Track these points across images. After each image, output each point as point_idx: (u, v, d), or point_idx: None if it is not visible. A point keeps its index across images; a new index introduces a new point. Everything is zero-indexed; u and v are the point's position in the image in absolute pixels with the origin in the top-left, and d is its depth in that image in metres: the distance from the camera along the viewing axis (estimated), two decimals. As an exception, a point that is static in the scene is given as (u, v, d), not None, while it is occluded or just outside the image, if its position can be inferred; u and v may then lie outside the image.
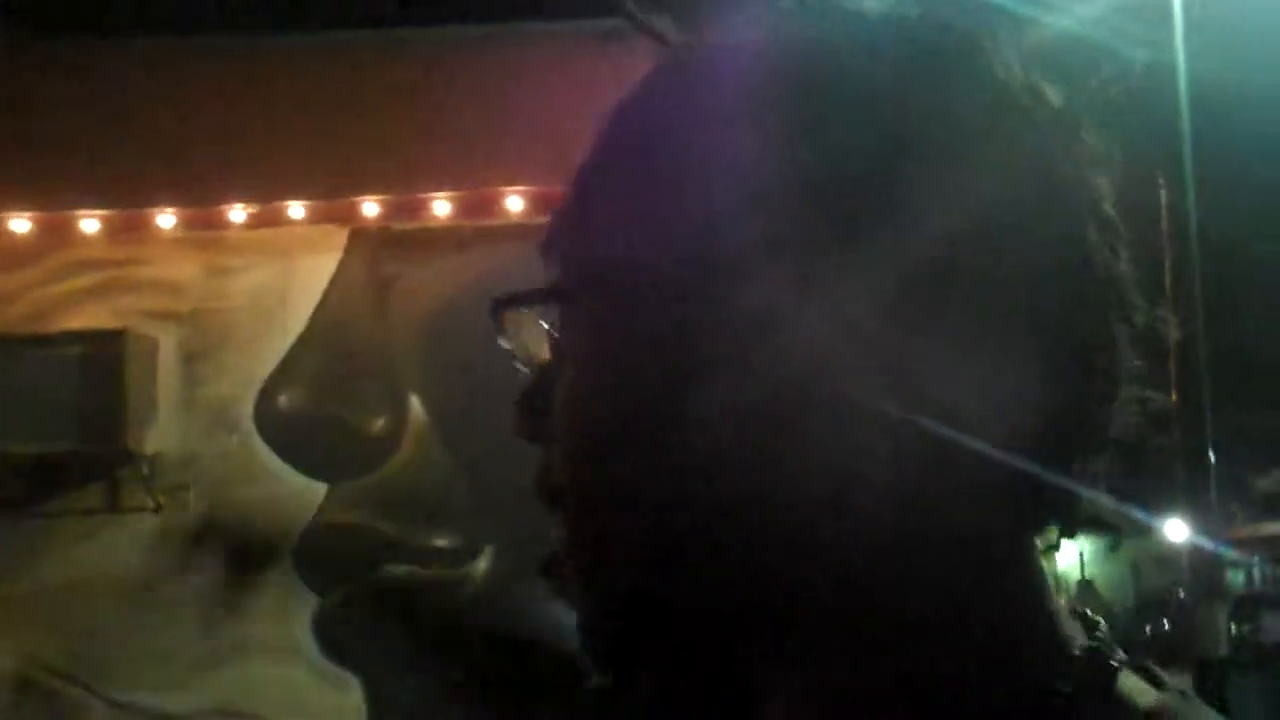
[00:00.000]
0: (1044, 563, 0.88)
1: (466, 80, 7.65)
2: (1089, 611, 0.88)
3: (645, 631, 0.90)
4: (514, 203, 7.53)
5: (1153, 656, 0.89)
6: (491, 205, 7.57)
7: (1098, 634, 0.87)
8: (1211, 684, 8.14)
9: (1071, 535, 0.86)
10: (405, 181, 7.50)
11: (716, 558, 0.85)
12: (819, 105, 0.84)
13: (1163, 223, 8.62)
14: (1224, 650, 8.71)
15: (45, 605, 7.30)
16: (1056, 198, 0.83)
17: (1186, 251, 8.79)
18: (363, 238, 7.67)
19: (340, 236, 7.68)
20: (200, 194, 7.47)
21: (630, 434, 0.88)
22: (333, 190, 7.47)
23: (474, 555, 7.35)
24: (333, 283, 7.63)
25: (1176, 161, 8.71)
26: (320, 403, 7.50)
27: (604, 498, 0.89)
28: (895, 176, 0.81)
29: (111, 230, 7.60)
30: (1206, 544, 8.59)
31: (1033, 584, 0.87)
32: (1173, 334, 0.89)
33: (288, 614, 7.24)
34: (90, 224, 7.57)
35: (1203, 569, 8.81)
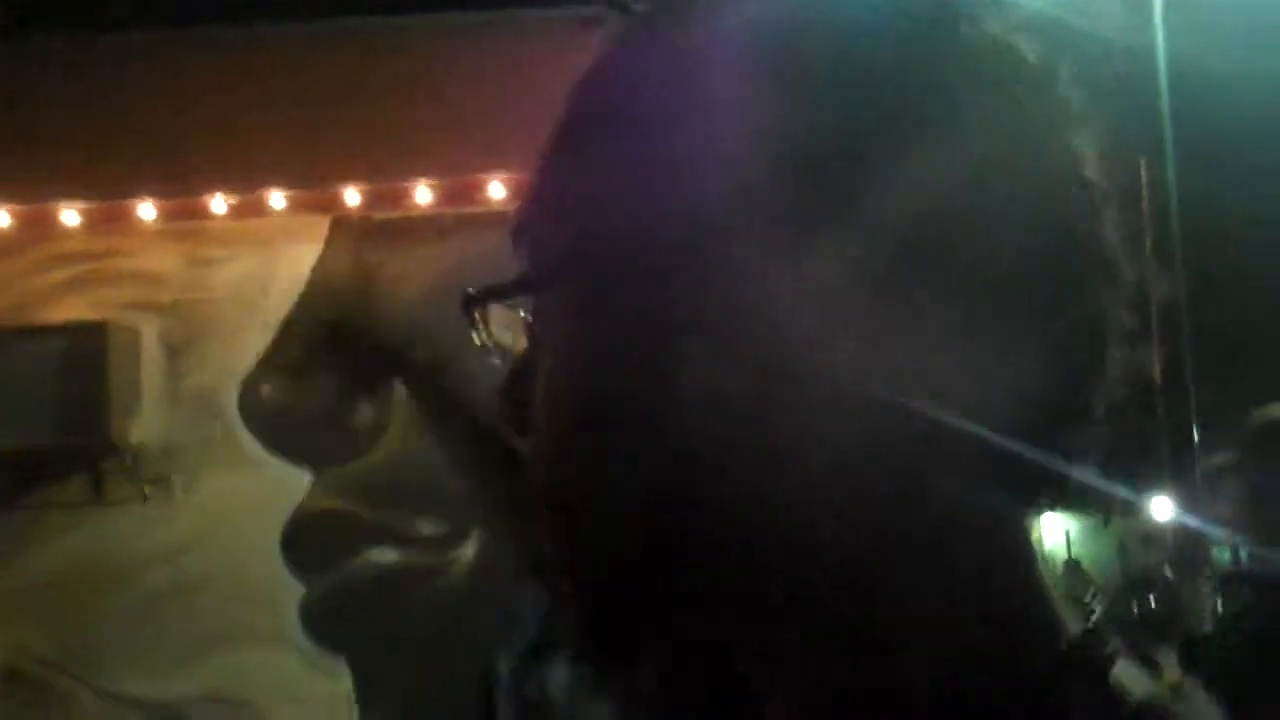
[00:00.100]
0: (1035, 545, 0.87)
1: (448, 67, 7.65)
2: (1083, 596, 0.87)
3: (634, 626, 0.88)
4: (496, 189, 7.53)
5: (1140, 635, 0.89)
6: (474, 192, 7.56)
7: (1092, 620, 0.86)
8: (1199, 661, 8.17)
9: (1060, 510, 0.85)
10: (386, 169, 7.48)
11: (703, 544, 0.83)
12: (798, 74, 0.82)
13: (1143, 203, 8.64)
14: (1209, 627, 8.75)
15: (32, 597, 7.30)
16: (1042, 170, 0.81)
17: (1168, 231, 8.81)
18: (344, 227, 7.66)
19: (322, 226, 7.67)
20: (181, 184, 7.44)
21: (611, 421, 0.86)
22: (314, 179, 7.46)
23: (461, 540, 7.36)
24: (315, 272, 7.63)
25: (1158, 143, 8.73)
26: (304, 391, 7.50)
27: (586, 487, 0.87)
28: (876, 148, 0.79)
29: (92, 222, 7.58)
30: (1192, 522, 8.62)
31: (1028, 570, 0.86)
32: (1161, 289, 0.88)
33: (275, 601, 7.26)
34: (71, 216, 7.55)
35: (1188, 547, 8.84)
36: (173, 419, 7.55)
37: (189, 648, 7.22)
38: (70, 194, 7.49)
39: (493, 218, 7.58)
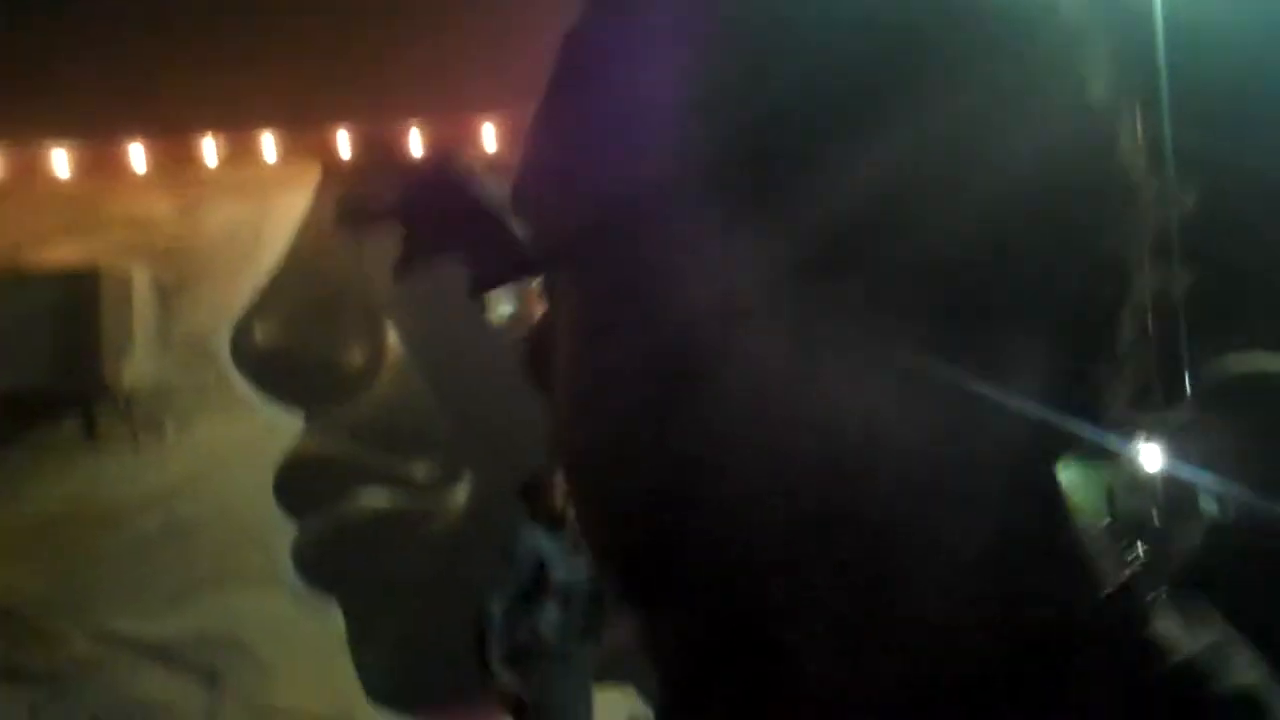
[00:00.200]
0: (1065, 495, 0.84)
1: (439, 9, 7.61)
2: (1120, 545, 0.84)
3: (653, 584, 0.85)
4: (488, 135, 7.51)
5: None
6: (464, 137, 7.54)
7: (1130, 571, 0.82)
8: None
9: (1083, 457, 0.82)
10: (378, 115, 7.46)
11: (682, 515, 0.79)
12: (759, 38, 0.78)
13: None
14: (1198, 575, 8.78)
15: (24, 537, 7.30)
16: (1048, 109, 0.79)
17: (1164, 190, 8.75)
18: (335, 173, 7.64)
19: (313, 172, 7.65)
20: (172, 125, 7.41)
21: (577, 390, 0.85)
22: (305, 121, 7.43)
23: (454, 483, 7.38)
24: (307, 216, 7.62)
25: (1155, 99, 8.68)
26: (297, 334, 7.50)
27: (589, 460, 0.85)
28: (838, 119, 0.76)
29: (83, 166, 7.56)
30: (1180, 469, 8.62)
31: (1061, 521, 0.83)
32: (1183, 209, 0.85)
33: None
34: (61, 159, 7.53)
35: (1176, 494, 8.85)
36: (165, 363, 7.55)
37: (180, 588, 7.24)
38: (61, 137, 7.47)
39: (485, 161, 7.57)
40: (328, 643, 7.20)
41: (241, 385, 7.47)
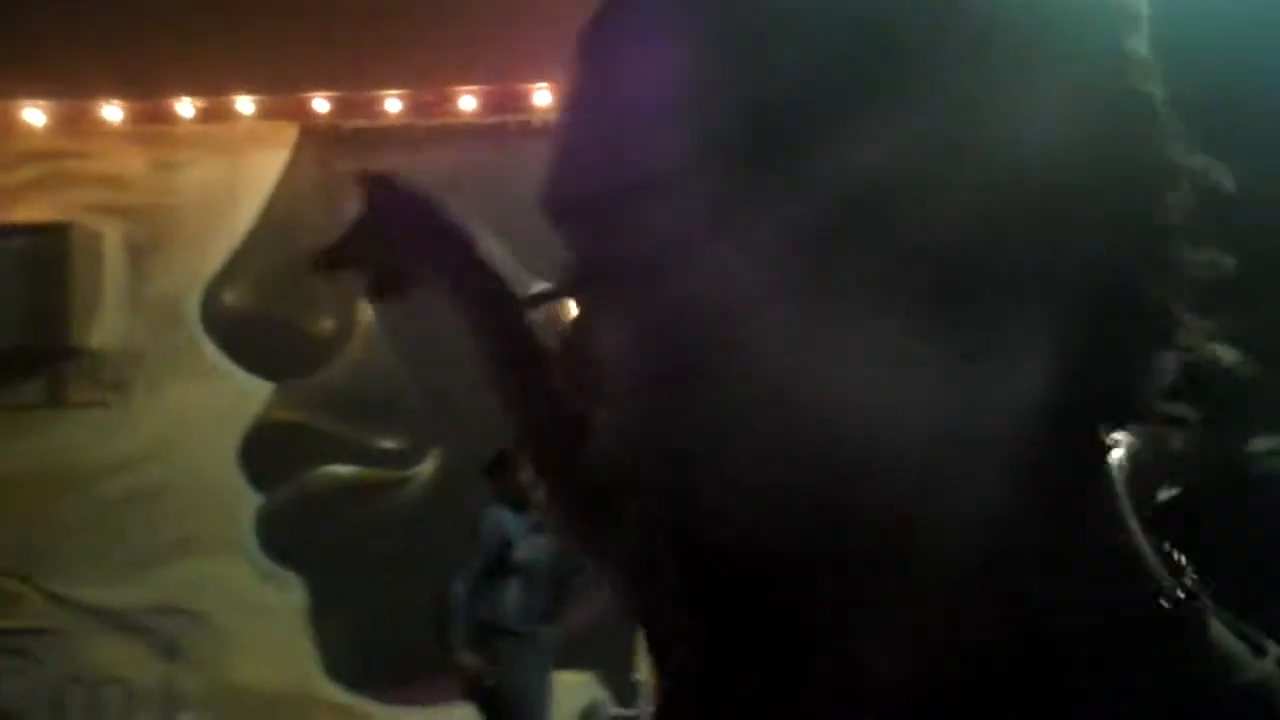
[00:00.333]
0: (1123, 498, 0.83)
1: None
2: (1176, 555, 0.82)
3: (694, 574, 0.85)
4: (467, 102, 7.46)
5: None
6: (444, 105, 7.49)
7: (1187, 579, 0.82)
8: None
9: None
10: (357, 78, 7.39)
11: (710, 500, 0.80)
12: (765, 20, 0.79)
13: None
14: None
15: (-13, 497, 7.29)
16: (1083, 88, 0.78)
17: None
18: (313, 135, 7.58)
19: (290, 133, 7.59)
20: (148, 86, 7.34)
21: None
22: (283, 85, 7.36)
23: (421, 456, 7.34)
24: (282, 180, 7.56)
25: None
26: (267, 301, 7.45)
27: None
28: (836, 102, 0.77)
29: (57, 122, 7.50)
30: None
31: (1121, 525, 0.83)
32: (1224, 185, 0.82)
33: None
34: (35, 116, 7.47)
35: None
36: (134, 324, 7.50)
37: (143, 556, 7.21)
38: (35, 94, 7.40)
39: (464, 129, 7.53)
40: (288, 617, 7.18)
41: (211, 350, 7.42)
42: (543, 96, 7.37)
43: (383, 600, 6.96)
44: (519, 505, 6.08)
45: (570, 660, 6.56)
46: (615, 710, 6.95)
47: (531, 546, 6.04)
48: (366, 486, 7.31)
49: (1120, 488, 0.83)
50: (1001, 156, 0.76)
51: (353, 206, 1.34)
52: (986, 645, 0.77)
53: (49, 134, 7.54)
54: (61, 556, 7.24)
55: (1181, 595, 0.80)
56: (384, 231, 1.40)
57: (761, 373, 0.76)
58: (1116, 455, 0.82)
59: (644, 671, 6.19)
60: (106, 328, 7.46)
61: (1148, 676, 0.77)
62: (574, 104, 0.88)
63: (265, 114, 7.47)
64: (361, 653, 7.12)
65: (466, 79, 7.42)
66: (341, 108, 7.48)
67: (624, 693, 6.86)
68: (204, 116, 7.46)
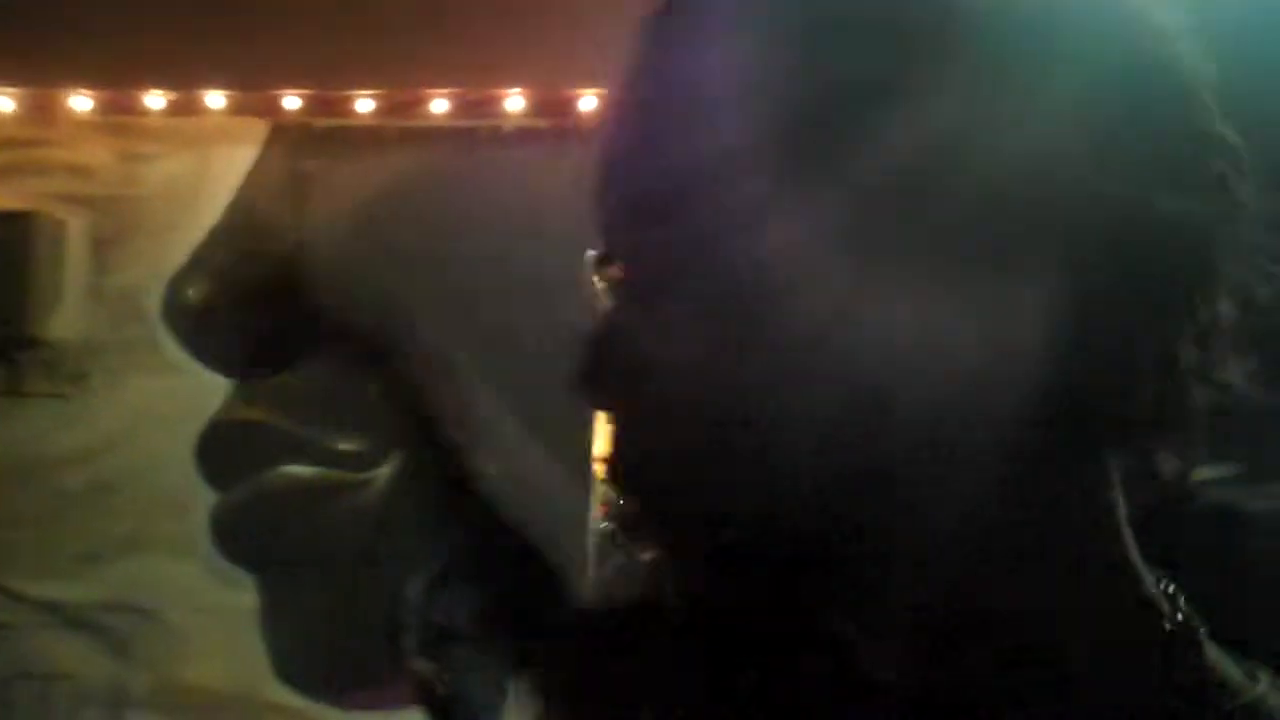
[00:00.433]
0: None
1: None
2: (1169, 585, 0.85)
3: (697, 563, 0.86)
4: (439, 105, 7.43)
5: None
6: (416, 106, 7.46)
7: (1182, 603, 0.85)
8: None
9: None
10: (329, 77, 7.36)
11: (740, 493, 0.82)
12: (803, 23, 0.83)
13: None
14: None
15: (-61, 488, 7.22)
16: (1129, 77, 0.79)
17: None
18: (283, 132, 7.54)
19: (260, 130, 7.55)
20: (118, 77, 7.30)
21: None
22: (254, 81, 7.33)
23: (380, 459, 7.31)
24: (250, 176, 7.51)
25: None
26: (230, 298, 7.40)
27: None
28: (888, 85, 0.79)
29: (24, 109, 7.44)
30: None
31: (1124, 551, 0.84)
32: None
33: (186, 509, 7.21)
34: (3, 103, 7.40)
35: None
36: (95, 316, 7.45)
37: (95, 551, 7.16)
38: (2, 80, 7.34)
39: (435, 133, 7.51)
40: (240, 617, 7.12)
41: (171, 345, 7.37)
42: (515, 102, 7.35)
43: (337, 603, 6.93)
44: (478, 512, 6.08)
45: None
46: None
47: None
48: (324, 488, 7.27)
49: (1122, 508, 0.84)
50: (1038, 129, 0.78)
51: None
52: (984, 657, 0.79)
53: (15, 121, 7.47)
54: (12, 549, 7.17)
55: (1180, 616, 0.84)
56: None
57: (819, 337, 0.78)
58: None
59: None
60: (67, 319, 7.40)
61: (1149, 696, 0.80)
62: (636, 92, 0.93)
63: (236, 109, 7.43)
64: (314, 656, 7.08)
65: (439, 82, 7.40)
66: (313, 106, 7.44)
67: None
68: (173, 109, 7.41)
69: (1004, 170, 0.77)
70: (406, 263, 7.30)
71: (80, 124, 7.45)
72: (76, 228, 7.48)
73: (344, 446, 7.31)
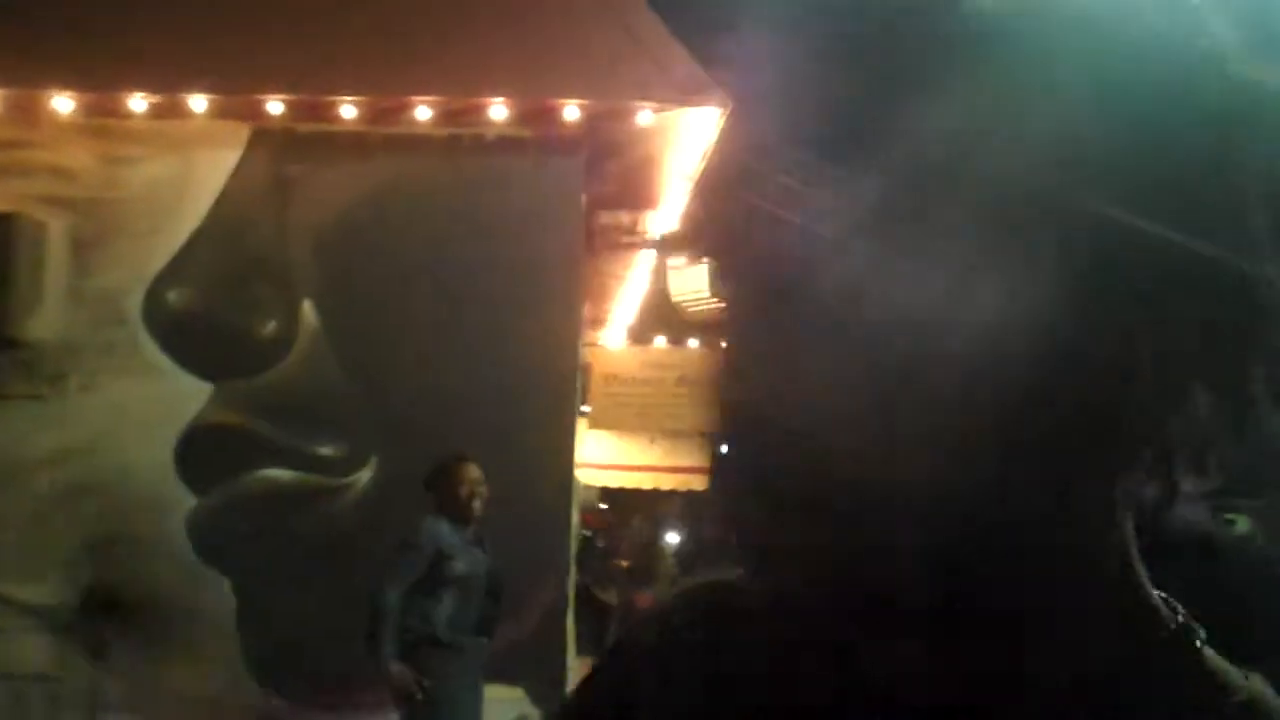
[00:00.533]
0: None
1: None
2: (1167, 596, 0.87)
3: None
4: (423, 112, 7.42)
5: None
6: (398, 114, 7.45)
7: (1179, 610, 0.88)
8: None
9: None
10: (312, 82, 7.35)
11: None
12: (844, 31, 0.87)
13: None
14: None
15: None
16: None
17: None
18: (265, 137, 7.54)
19: (242, 134, 7.54)
20: (101, 79, 7.28)
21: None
22: (237, 85, 7.31)
23: (360, 465, 7.30)
24: (232, 180, 7.50)
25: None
26: (211, 301, 7.39)
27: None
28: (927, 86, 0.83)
29: (6, 110, 7.41)
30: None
31: (1131, 559, 0.87)
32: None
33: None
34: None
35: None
36: (75, 317, 7.42)
37: (72, 553, 7.14)
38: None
39: (417, 140, 7.51)
40: (217, 620, 7.11)
41: (151, 348, 7.35)
42: (498, 111, 7.34)
43: (313, 608, 6.92)
44: (456, 518, 6.07)
45: (501, 675, 6.55)
46: (545, 727, 6.95)
47: (470, 560, 6.03)
48: (302, 492, 7.26)
49: (1130, 519, 0.86)
50: (1069, 113, 0.79)
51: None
52: (989, 657, 0.80)
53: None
54: (-13, 549, 7.16)
55: (1180, 618, 0.87)
56: None
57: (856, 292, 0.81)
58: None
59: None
60: (46, 320, 7.38)
61: (1152, 696, 0.84)
62: None
63: (218, 113, 7.41)
64: (290, 660, 7.07)
65: (422, 89, 7.39)
66: (296, 111, 7.42)
67: (554, 709, 6.85)
68: (156, 112, 7.39)
69: (1041, 143, 0.79)
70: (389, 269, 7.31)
71: (62, 126, 7.43)
72: (57, 229, 7.46)
73: (323, 452, 7.30)
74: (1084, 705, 0.83)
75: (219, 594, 7.16)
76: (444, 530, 6.03)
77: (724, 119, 7.35)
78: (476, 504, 6.11)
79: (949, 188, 0.81)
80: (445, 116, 7.48)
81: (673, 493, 15.38)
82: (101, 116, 7.42)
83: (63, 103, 7.33)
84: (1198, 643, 0.86)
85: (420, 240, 7.36)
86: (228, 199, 7.47)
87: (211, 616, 7.12)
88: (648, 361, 11.66)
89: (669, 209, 9.04)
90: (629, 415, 11.61)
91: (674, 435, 12.47)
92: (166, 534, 7.16)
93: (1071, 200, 0.80)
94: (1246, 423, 0.86)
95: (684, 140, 7.72)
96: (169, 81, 7.28)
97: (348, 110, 7.41)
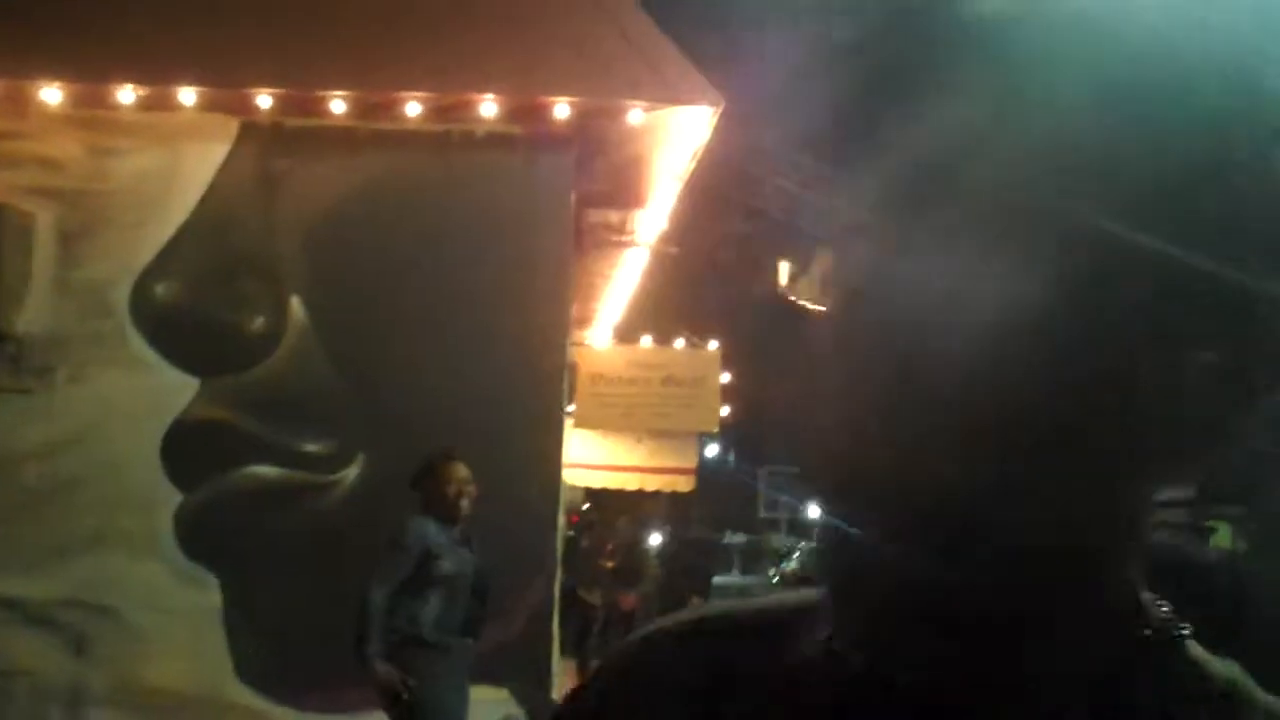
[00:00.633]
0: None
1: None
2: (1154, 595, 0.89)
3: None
4: (412, 108, 7.41)
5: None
6: (388, 109, 7.44)
7: (1162, 604, 0.90)
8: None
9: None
10: (302, 76, 7.33)
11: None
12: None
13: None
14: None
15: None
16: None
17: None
18: (254, 130, 7.51)
19: (231, 127, 7.51)
20: (89, 70, 7.25)
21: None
22: (227, 78, 7.29)
23: (347, 461, 7.28)
24: (220, 174, 7.47)
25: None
26: (198, 296, 7.36)
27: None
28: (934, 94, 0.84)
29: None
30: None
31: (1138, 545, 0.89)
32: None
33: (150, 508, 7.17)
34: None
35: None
36: (62, 310, 7.39)
37: (57, 547, 7.10)
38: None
39: (406, 136, 7.49)
40: (202, 617, 7.08)
41: (138, 341, 7.32)
42: (488, 108, 7.33)
43: (299, 605, 6.90)
44: (443, 518, 6.04)
45: (487, 675, 6.53)
46: (530, 727, 6.94)
47: (457, 559, 6.01)
48: (289, 489, 7.23)
49: (1127, 519, 0.87)
50: (1064, 118, 0.80)
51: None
52: (985, 652, 0.82)
53: (-13, 114, 7.43)
54: (-27, 543, 7.12)
55: (1165, 616, 0.88)
56: None
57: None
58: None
59: (560, 690, 6.15)
60: (33, 312, 7.35)
61: (1142, 688, 0.85)
62: None
63: (207, 106, 7.39)
64: (275, 657, 7.04)
65: (413, 84, 7.38)
66: (285, 105, 7.40)
67: (540, 710, 6.84)
68: (145, 104, 7.36)
69: (1041, 144, 0.79)
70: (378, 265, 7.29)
71: (51, 117, 7.40)
72: (45, 221, 7.43)
73: (310, 448, 7.28)
74: (1079, 703, 0.85)
75: (205, 589, 7.13)
76: (431, 529, 6.00)
77: (715, 118, 7.37)
78: (464, 503, 6.08)
79: (948, 189, 0.81)
80: (435, 112, 7.46)
81: (657, 494, 15.35)
82: (90, 108, 7.38)
83: (51, 94, 7.30)
84: (1184, 638, 0.88)
85: (409, 236, 7.34)
86: (216, 192, 7.44)
87: (196, 612, 7.09)
88: (634, 361, 11.67)
89: (658, 208, 9.04)
90: (615, 415, 11.61)
91: (660, 435, 12.48)
92: (153, 529, 7.13)
93: (1070, 201, 0.80)
94: (1246, 427, 0.86)
95: (675, 139, 7.72)
96: (158, 74, 7.26)
97: (337, 105, 7.39)
